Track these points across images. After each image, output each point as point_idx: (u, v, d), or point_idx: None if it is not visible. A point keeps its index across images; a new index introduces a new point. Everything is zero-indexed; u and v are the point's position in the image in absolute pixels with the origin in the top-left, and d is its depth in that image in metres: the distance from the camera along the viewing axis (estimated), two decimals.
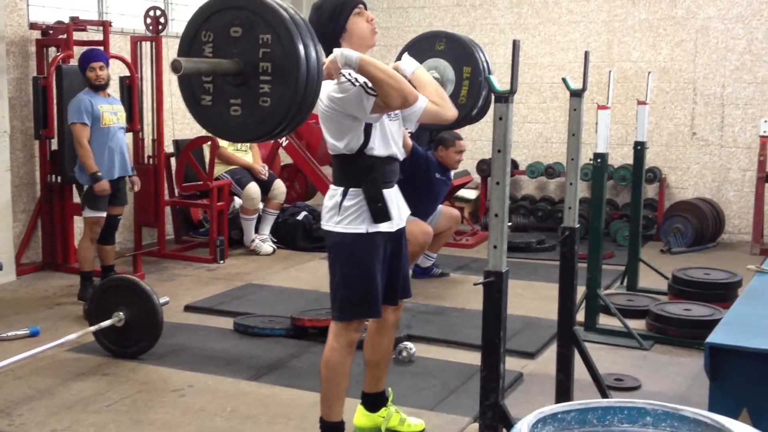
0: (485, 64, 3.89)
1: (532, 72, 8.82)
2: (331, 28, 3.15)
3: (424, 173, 5.95)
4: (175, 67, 2.36)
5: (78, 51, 6.54)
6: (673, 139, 8.36)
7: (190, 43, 2.61)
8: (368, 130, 3.14)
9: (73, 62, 6.45)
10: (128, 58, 6.98)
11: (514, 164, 8.79)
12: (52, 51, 6.67)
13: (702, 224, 7.72)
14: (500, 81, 2.67)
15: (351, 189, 3.17)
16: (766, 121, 7.57)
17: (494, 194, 2.71)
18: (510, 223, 8.48)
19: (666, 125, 8.36)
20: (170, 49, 7.77)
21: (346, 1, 3.19)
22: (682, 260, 7.11)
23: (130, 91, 6.76)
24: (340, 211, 3.18)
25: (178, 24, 8.33)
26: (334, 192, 3.22)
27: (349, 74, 3.01)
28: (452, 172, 6.34)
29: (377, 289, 3.23)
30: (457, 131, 6.18)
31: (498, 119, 2.67)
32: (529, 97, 8.87)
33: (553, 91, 8.75)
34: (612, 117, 6.87)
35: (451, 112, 3.35)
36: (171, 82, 7.85)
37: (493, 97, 2.71)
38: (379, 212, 3.16)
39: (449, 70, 3.78)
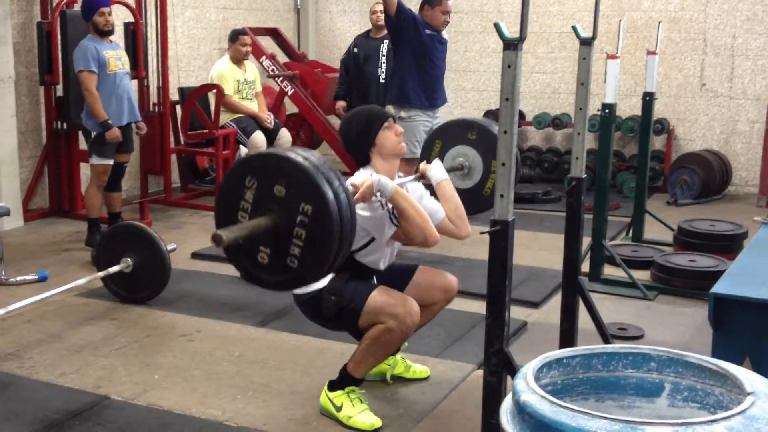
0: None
1: (541, 21, 8.71)
2: (361, 141, 3.27)
3: (413, 32, 5.79)
4: (217, 241, 2.35)
5: None
6: (682, 91, 8.29)
7: (233, 183, 2.58)
8: (370, 243, 3.22)
9: (78, 7, 6.39)
10: (132, 4, 6.90)
11: (521, 115, 8.74)
12: None
13: (709, 176, 7.70)
14: (508, 29, 2.64)
15: None
16: None
17: (501, 143, 2.70)
18: None
19: (675, 76, 8.29)
20: None
21: (376, 116, 3.30)
22: (688, 212, 7.11)
23: (134, 38, 6.71)
24: None
25: None
26: None
27: (380, 197, 3.08)
28: (446, 35, 6.10)
29: (355, 280, 3.26)
30: None
31: (507, 67, 2.64)
32: (537, 47, 8.78)
33: (562, 41, 8.66)
34: (621, 67, 6.81)
35: (464, 232, 3.43)
36: (176, 29, 7.80)
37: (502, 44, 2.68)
38: (329, 304, 3.19)
39: (478, 159, 3.79)
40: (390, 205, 3.12)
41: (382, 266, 3.37)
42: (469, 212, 3.50)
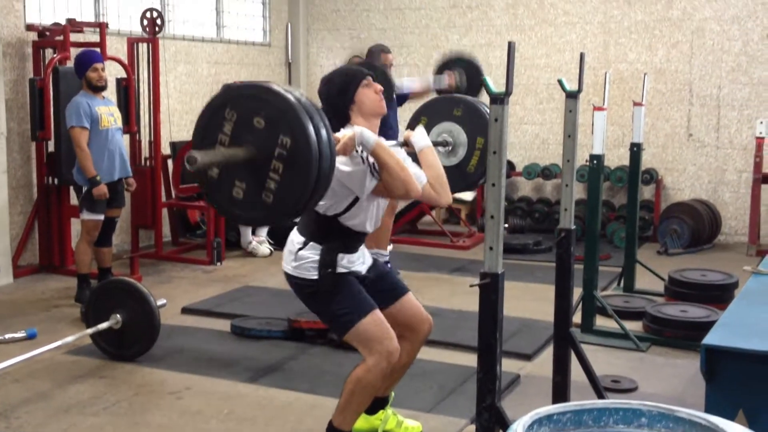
0: None
1: (529, 73, 8.84)
2: (341, 100, 3.25)
3: None
4: (190, 161, 2.35)
5: (75, 52, 6.54)
6: (669, 141, 8.38)
7: (212, 114, 2.58)
8: (353, 204, 3.20)
9: (70, 64, 6.45)
10: (125, 60, 6.98)
11: (511, 166, 8.81)
12: (48, 53, 6.68)
13: (698, 225, 7.73)
14: (496, 82, 2.68)
15: (312, 242, 3.21)
16: (761, 122, 7.57)
17: (490, 196, 2.72)
18: (506, 225, 8.49)
19: (662, 126, 8.38)
20: (167, 51, 7.78)
21: (355, 74, 3.30)
22: (678, 261, 7.12)
23: (127, 93, 6.76)
24: (296, 258, 3.23)
25: (174, 25, 8.34)
26: (296, 238, 3.26)
27: (361, 152, 3.08)
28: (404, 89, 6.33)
29: (356, 288, 3.24)
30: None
31: (494, 121, 2.68)
32: (525, 99, 8.89)
33: (550, 93, 8.76)
34: (608, 118, 6.90)
35: (444, 199, 3.40)
36: (168, 84, 7.87)
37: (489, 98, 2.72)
38: (326, 278, 3.17)
39: (463, 135, 3.81)
40: (371, 159, 3.09)
41: (369, 228, 3.31)
42: (453, 189, 3.47)
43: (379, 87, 3.32)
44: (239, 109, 2.52)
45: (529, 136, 8.96)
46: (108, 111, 5.78)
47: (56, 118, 6.33)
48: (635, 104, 6.07)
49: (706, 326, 4.00)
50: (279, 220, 2.71)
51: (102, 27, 6.75)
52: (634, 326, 5.12)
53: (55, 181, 6.57)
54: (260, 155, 2.49)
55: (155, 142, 7.18)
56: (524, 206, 8.72)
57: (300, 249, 3.22)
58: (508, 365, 4.33)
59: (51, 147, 6.58)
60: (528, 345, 4.86)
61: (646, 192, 8.33)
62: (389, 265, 6.33)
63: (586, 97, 7.85)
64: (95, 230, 5.73)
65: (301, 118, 2.48)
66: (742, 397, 2.99)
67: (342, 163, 3.06)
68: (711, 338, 3.10)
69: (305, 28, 9.98)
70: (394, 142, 3.41)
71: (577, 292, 4.84)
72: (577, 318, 4.97)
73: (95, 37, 6.84)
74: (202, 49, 8.61)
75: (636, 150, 5.98)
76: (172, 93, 8.03)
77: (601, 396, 3.69)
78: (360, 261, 3.34)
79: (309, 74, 10.06)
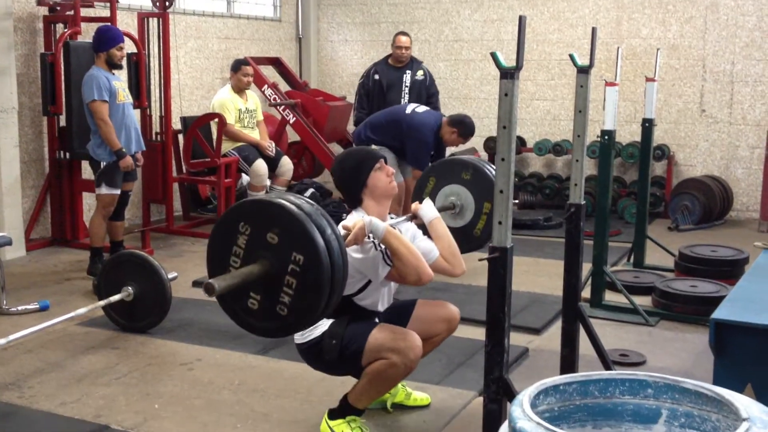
0: None
1: (541, 48, 8.78)
2: (353, 183, 3.29)
3: None
4: (209, 290, 2.40)
5: (85, 27, 6.54)
6: (681, 117, 8.33)
7: (226, 227, 2.62)
8: (366, 286, 3.22)
9: (81, 38, 6.46)
10: (135, 35, 6.97)
11: (522, 141, 8.78)
12: (59, 28, 6.67)
13: (710, 202, 7.70)
14: (507, 58, 2.66)
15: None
16: None
17: (499, 170, 2.72)
18: (517, 201, 8.47)
19: (675, 102, 8.33)
20: (177, 26, 7.77)
21: (368, 158, 3.32)
22: (689, 237, 7.10)
23: (137, 68, 6.76)
24: (304, 333, 3.23)
25: (184, 0, 8.31)
26: None
27: (373, 238, 3.09)
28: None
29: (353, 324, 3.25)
30: None
31: (503, 95, 2.67)
32: (537, 74, 8.84)
33: (561, 68, 8.71)
34: (620, 94, 6.85)
35: (459, 269, 3.41)
36: (178, 59, 7.86)
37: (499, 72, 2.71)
38: (330, 348, 3.17)
39: (470, 199, 3.83)
40: (383, 246, 3.12)
41: (381, 308, 3.37)
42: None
43: (391, 170, 3.35)
44: (253, 224, 2.57)
45: (541, 112, 8.92)
46: (122, 86, 5.80)
47: (67, 93, 6.34)
48: (648, 80, 6.02)
49: (715, 301, 4.00)
50: (295, 331, 2.79)
51: (112, 2, 6.72)
52: (643, 301, 5.12)
53: (67, 155, 6.60)
54: (274, 270, 2.54)
55: (166, 118, 7.19)
56: (535, 182, 8.70)
57: None
58: (517, 339, 4.35)
59: (62, 121, 6.60)
60: (537, 319, 4.87)
61: (658, 168, 8.30)
62: None
63: (598, 72, 7.80)
64: (111, 205, 5.77)
65: (312, 235, 2.51)
66: (751, 372, 3.01)
67: (354, 251, 3.08)
68: (720, 313, 3.11)
69: (316, 3, 9.93)
70: (403, 218, 3.45)
71: (587, 267, 4.85)
72: (586, 293, 4.98)
73: (106, 12, 6.83)
74: (213, 24, 8.59)
75: (648, 126, 5.95)
76: (183, 68, 8.03)
77: (609, 369, 3.71)
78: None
79: (319, 49, 10.02)
